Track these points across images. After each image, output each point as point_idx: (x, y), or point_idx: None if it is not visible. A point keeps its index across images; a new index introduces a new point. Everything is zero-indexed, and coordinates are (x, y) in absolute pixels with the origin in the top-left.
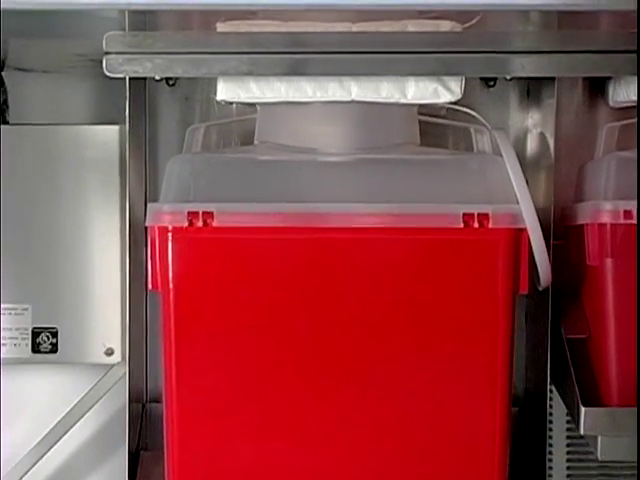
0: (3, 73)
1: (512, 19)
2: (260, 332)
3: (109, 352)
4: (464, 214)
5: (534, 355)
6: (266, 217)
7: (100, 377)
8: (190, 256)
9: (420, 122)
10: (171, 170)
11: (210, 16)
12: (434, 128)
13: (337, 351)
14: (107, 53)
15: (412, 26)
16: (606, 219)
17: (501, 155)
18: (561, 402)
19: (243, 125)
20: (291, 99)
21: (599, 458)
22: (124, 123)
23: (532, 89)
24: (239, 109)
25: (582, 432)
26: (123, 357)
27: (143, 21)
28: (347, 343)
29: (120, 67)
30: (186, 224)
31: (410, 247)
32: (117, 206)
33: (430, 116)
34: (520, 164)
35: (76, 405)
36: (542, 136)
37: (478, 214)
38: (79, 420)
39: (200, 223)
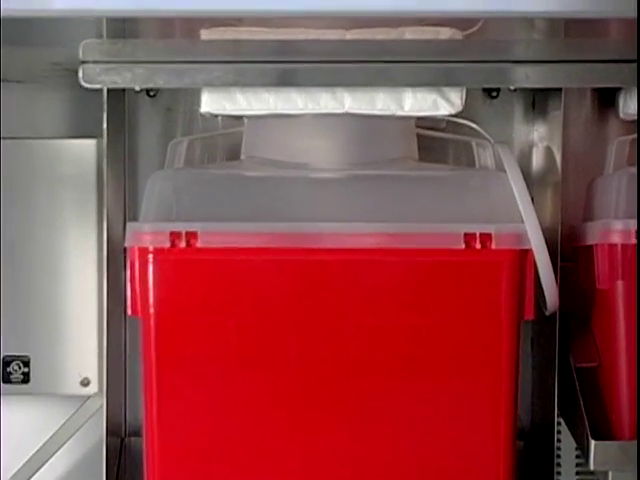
0: None
1: (516, 26)
2: (247, 361)
3: (85, 382)
4: (465, 234)
5: (541, 385)
6: (254, 237)
7: (75, 409)
8: (172, 279)
9: (418, 136)
10: (152, 187)
11: (194, 23)
12: (433, 142)
13: (330, 381)
14: (84, 62)
15: (410, 33)
16: (617, 239)
17: (504, 171)
18: (570, 435)
19: (229, 139)
20: (280, 111)
21: None
22: (102, 137)
23: (538, 100)
24: (224, 122)
25: (592, 467)
26: (100, 388)
27: (122, 28)
28: (340, 372)
29: (98, 77)
30: (168, 245)
31: (407, 269)
32: (94, 226)
33: (429, 129)
34: (525, 180)
35: (50, 439)
36: (548, 150)
37: (480, 234)
38: (53, 455)
39: (183, 244)
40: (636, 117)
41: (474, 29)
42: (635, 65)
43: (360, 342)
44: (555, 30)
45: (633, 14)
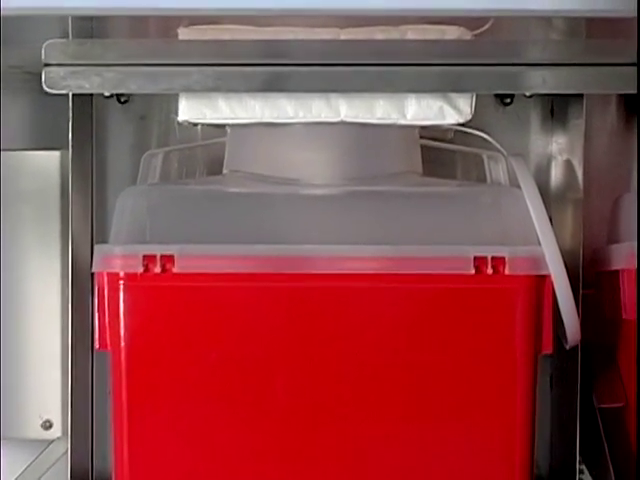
0: None
1: (531, 25)
2: (230, 399)
3: (47, 425)
4: (475, 258)
5: (560, 427)
6: (237, 262)
7: (37, 454)
8: (146, 308)
9: (422, 147)
10: (123, 204)
11: (170, 21)
12: (439, 154)
13: (323, 425)
14: (47, 65)
15: (412, 33)
16: None
17: (519, 187)
18: None
19: (210, 151)
20: (267, 120)
21: None
22: (67, 148)
23: (556, 108)
24: (205, 131)
25: None
26: (64, 431)
27: (90, 27)
28: (335, 415)
29: (62, 82)
30: (141, 270)
31: (410, 298)
32: (58, 248)
33: (434, 140)
34: (542, 197)
35: None
36: (569, 164)
37: (492, 258)
38: None
39: (158, 269)
40: None
41: (484, 28)
42: None
43: (357, 380)
44: (576, 29)
45: None
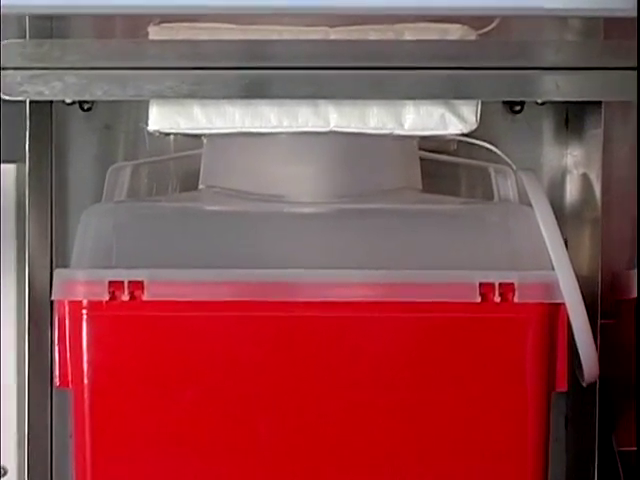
0: None
1: (544, 24)
2: (208, 442)
3: (1, 473)
4: (481, 284)
5: (577, 472)
6: (215, 288)
7: None
8: (112, 341)
9: (422, 160)
10: (86, 224)
11: (139, 18)
12: (441, 168)
13: (311, 468)
14: (2, 69)
15: (410, 32)
16: None
17: (530, 204)
18: None
19: (184, 164)
20: (248, 129)
21: None
22: (23, 161)
23: (571, 116)
24: (178, 142)
25: None
26: (20, 479)
27: (49, 27)
28: (325, 458)
29: (19, 87)
30: (107, 298)
31: (409, 329)
32: (12, 272)
33: (435, 152)
34: (556, 216)
35: None
36: (585, 179)
37: (500, 284)
38: None
39: (126, 296)
40: None
41: (491, 27)
42: None
43: (350, 422)
44: (593, 29)
45: None
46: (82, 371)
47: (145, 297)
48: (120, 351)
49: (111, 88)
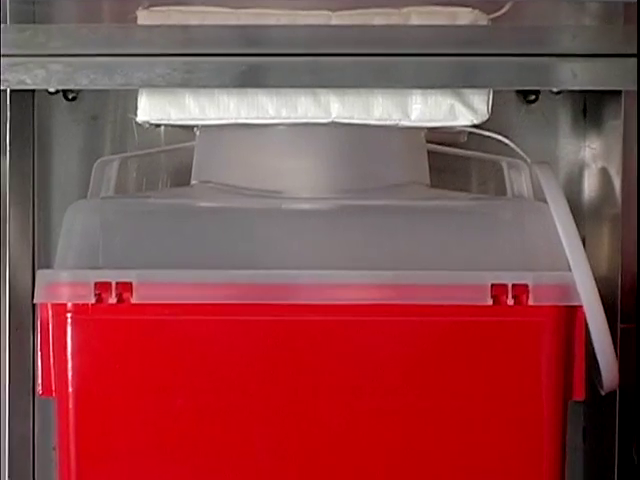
0: None
1: (560, 8)
2: (200, 452)
3: None
4: (493, 286)
5: None
6: (209, 290)
7: None
8: (99, 346)
9: (430, 153)
10: (71, 222)
11: (127, 2)
12: (450, 162)
13: None
14: None
15: (417, 17)
16: None
17: (545, 200)
18: None
19: (175, 157)
20: (244, 120)
21: None
22: (3, 154)
23: (590, 107)
24: (169, 134)
25: None
26: None
27: (32, 12)
28: (328, 470)
29: None
30: (93, 300)
31: (417, 333)
32: None
33: (444, 145)
34: (573, 213)
35: None
36: (604, 173)
37: (513, 286)
38: None
39: (113, 299)
40: None
41: (503, 11)
42: None
43: (356, 431)
44: (612, 14)
45: None
46: (66, 379)
47: (134, 300)
48: (107, 357)
49: (97, 76)
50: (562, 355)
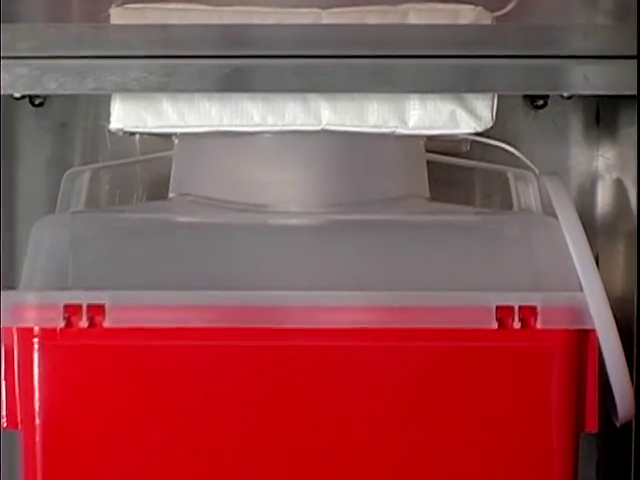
0: None
1: (570, 5)
2: None
3: None
4: (498, 308)
5: None
6: (189, 313)
7: None
8: (68, 374)
9: (429, 164)
10: (38, 238)
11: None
12: (451, 173)
13: None
14: None
15: (415, 14)
16: None
17: (555, 215)
18: None
19: (152, 168)
20: (227, 128)
21: None
22: None
23: (603, 112)
24: (145, 143)
25: None
26: None
27: None
28: None
29: None
30: (62, 324)
31: (416, 360)
32: None
33: (445, 154)
34: (585, 229)
35: None
36: (619, 185)
37: (520, 308)
38: None
39: (84, 322)
40: None
41: (509, 8)
42: None
43: (351, 464)
44: (626, 12)
45: None
46: (33, 410)
47: (106, 323)
48: (78, 386)
49: (67, 80)
50: (573, 383)
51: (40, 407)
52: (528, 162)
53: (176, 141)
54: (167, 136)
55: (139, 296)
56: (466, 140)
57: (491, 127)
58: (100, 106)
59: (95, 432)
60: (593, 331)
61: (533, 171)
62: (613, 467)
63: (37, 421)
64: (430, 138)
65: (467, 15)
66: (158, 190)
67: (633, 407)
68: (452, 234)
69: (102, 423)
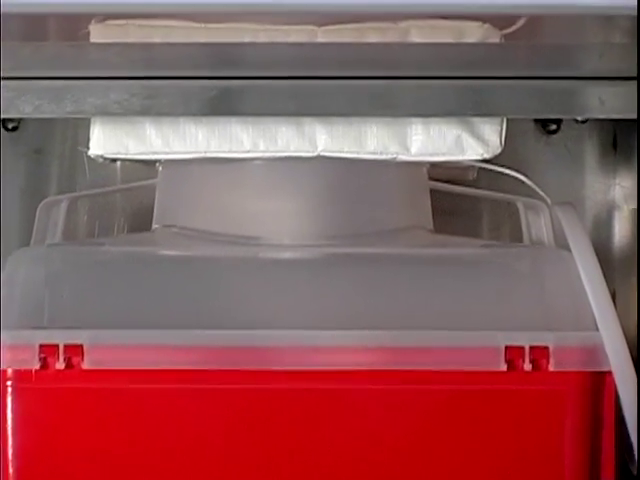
0: None
1: (584, 23)
2: None
3: None
4: (507, 348)
5: None
6: (173, 354)
7: None
8: (44, 419)
9: (433, 193)
10: (12, 273)
11: (79, 16)
12: (457, 203)
13: None
14: None
15: (418, 32)
16: None
17: (569, 248)
18: None
19: (134, 197)
20: (215, 154)
21: None
22: None
23: (621, 138)
24: (127, 171)
25: None
26: None
27: None
28: None
29: None
30: (37, 366)
31: (419, 404)
32: None
33: (450, 183)
34: (600, 263)
35: None
36: (638, 215)
37: (531, 348)
38: None
39: (61, 364)
40: None
41: (518, 25)
42: None
43: None
44: None
45: None
46: (7, 458)
47: (85, 365)
48: (54, 432)
49: (43, 103)
50: (588, 429)
51: (13, 454)
52: (540, 191)
53: (160, 168)
54: (150, 163)
55: (120, 336)
56: (473, 167)
57: (500, 153)
58: (78, 130)
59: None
60: (609, 373)
61: (545, 201)
62: None
63: (10, 469)
64: (434, 165)
65: (473, 33)
66: (141, 221)
67: None
68: (457, 269)
69: (80, 471)
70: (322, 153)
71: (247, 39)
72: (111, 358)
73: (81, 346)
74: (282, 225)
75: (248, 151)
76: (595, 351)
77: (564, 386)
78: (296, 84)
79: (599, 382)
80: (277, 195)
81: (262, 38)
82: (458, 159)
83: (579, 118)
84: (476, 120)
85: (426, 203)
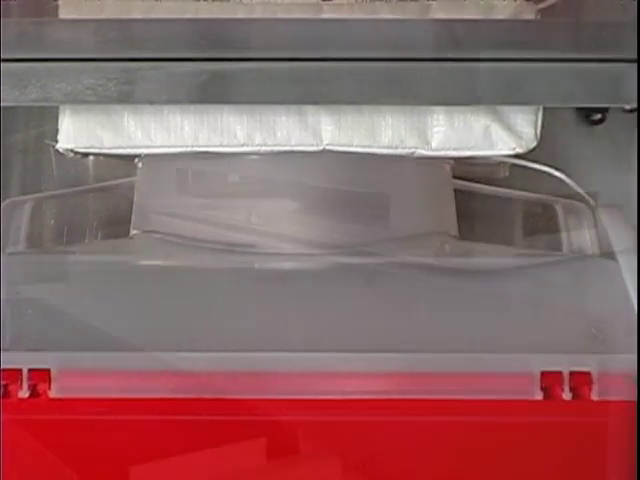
0: None
1: None
2: None
3: None
4: (544, 374)
5: None
6: (151, 380)
7: None
8: (7, 453)
9: (458, 193)
10: None
11: None
12: (486, 205)
13: None
14: None
15: (440, 7)
16: None
17: (614, 257)
18: None
19: (109, 198)
20: (204, 148)
21: None
22: None
23: None
24: (101, 167)
25: None
26: None
27: None
28: None
29: None
30: None
31: (442, 438)
32: None
33: (477, 182)
34: None
35: None
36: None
37: (571, 374)
38: None
39: (25, 392)
40: None
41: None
42: None
43: None
44: None
45: None
46: None
47: (52, 393)
48: (18, 468)
49: (5, 89)
50: (634, 464)
51: None
52: (581, 191)
53: (139, 165)
54: (128, 158)
55: (91, 359)
56: (504, 164)
57: (535, 147)
58: (45, 121)
59: None
60: None
61: (588, 203)
62: None
63: None
64: (459, 161)
65: (504, 8)
66: (117, 226)
67: None
68: (486, 281)
69: None
70: (328, 147)
71: (241, 15)
72: (81, 385)
73: (48, 371)
74: (281, 230)
75: (242, 145)
76: None
77: (608, 417)
78: (298, 67)
79: None
80: (276, 195)
81: (258, 14)
82: (487, 154)
83: (627, 107)
84: (507, 109)
85: (450, 205)
